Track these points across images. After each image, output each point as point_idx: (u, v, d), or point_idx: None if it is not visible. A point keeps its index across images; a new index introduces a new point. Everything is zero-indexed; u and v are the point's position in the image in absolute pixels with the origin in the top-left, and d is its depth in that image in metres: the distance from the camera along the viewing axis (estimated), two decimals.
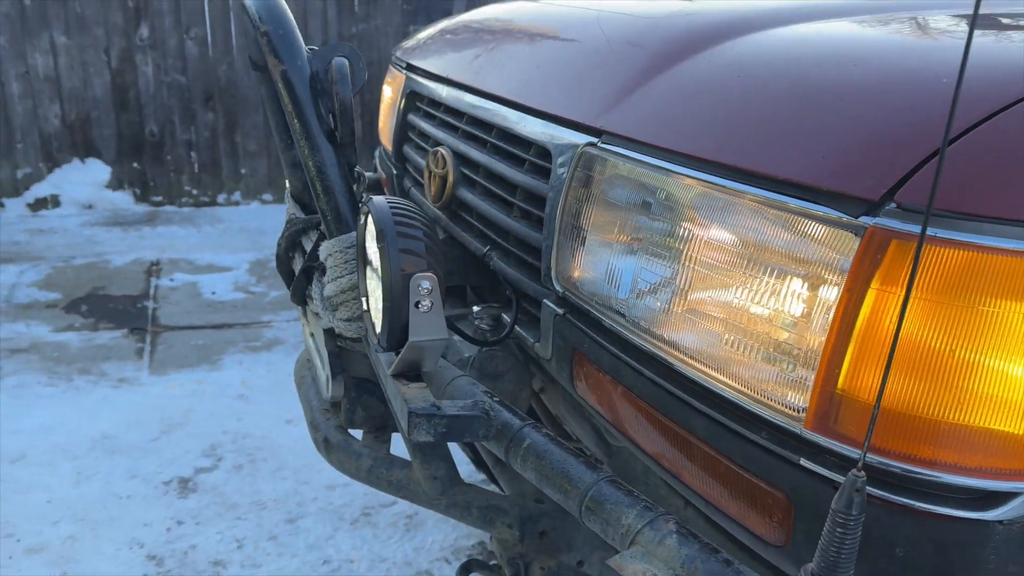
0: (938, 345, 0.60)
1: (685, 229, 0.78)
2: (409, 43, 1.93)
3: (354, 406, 1.25)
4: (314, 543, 2.40)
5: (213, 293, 4.37)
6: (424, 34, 1.83)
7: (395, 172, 1.70)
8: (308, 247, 1.35)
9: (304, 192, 1.42)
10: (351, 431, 1.28)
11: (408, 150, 1.59)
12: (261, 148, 6.01)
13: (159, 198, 5.87)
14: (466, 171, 1.25)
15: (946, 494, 0.62)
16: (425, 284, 0.90)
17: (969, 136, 0.62)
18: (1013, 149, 0.59)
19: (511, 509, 1.11)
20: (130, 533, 2.39)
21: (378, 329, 0.95)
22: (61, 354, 3.51)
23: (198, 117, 5.80)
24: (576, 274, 0.93)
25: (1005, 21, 0.95)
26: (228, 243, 5.24)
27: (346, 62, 1.08)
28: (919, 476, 0.62)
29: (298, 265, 1.38)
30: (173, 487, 2.63)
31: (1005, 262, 0.57)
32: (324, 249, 1.11)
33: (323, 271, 1.19)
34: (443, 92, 1.38)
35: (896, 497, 0.61)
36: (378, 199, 0.93)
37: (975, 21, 0.49)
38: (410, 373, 0.96)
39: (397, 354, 0.95)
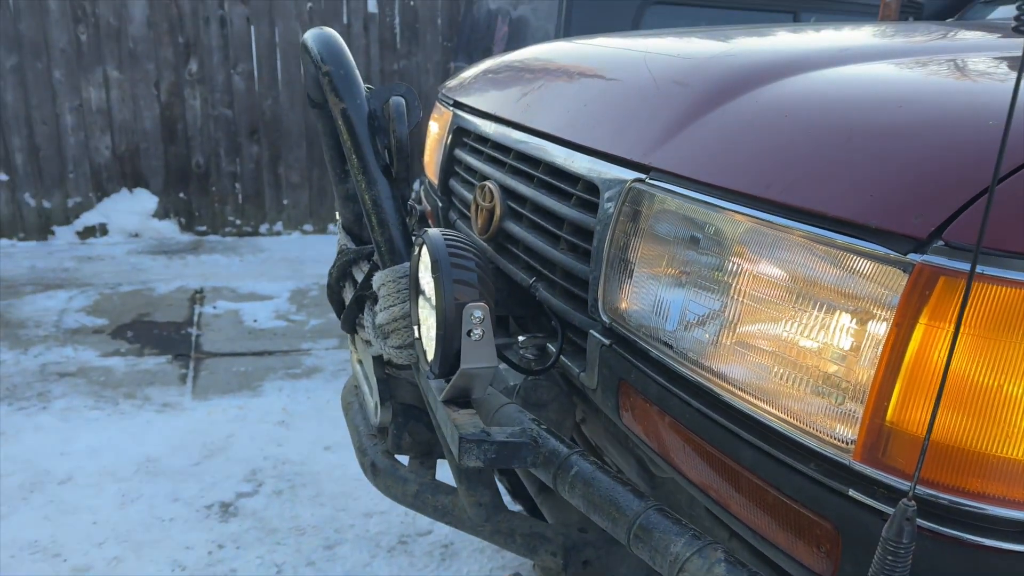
0: (986, 380, 0.61)
1: (734, 263, 0.80)
2: (455, 81, 1.98)
3: (401, 432, 1.27)
4: (351, 570, 2.42)
5: (255, 321, 4.45)
6: (469, 72, 1.88)
7: (440, 205, 1.74)
8: (359, 277, 1.40)
9: (355, 224, 1.47)
10: (397, 457, 1.30)
11: (454, 184, 1.63)
12: (303, 180, 6.14)
13: (203, 227, 6.01)
14: (513, 205, 1.28)
15: (994, 527, 0.63)
16: (477, 313, 0.93)
17: (1016, 176, 0.64)
18: None
19: (555, 538, 1.13)
20: (172, 555, 2.43)
21: (430, 357, 0.98)
22: (107, 378, 3.60)
23: (243, 149, 5.95)
24: (623, 305, 0.95)
25: None
26: (269, 272, 5.34)
27: (403, 101, 1.13)
28: (967, 508, 0.63)
29: (348, 294, 1.42)
30: (215, 511, 2.67)
31: None
32: (377, 279, 1.15)
33: (375, 300, 1.22)
34: (490, 128, 1.43)
35: (944, 529, 0.62)
36: (433, 231, 0.97)
37: None
38: (460, 400, 0.99)
39: (448, 381, 0.98)
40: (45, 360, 3.75)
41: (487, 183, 1.34)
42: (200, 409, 3.37)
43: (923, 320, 0.63)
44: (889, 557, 0.56)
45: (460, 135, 1.64)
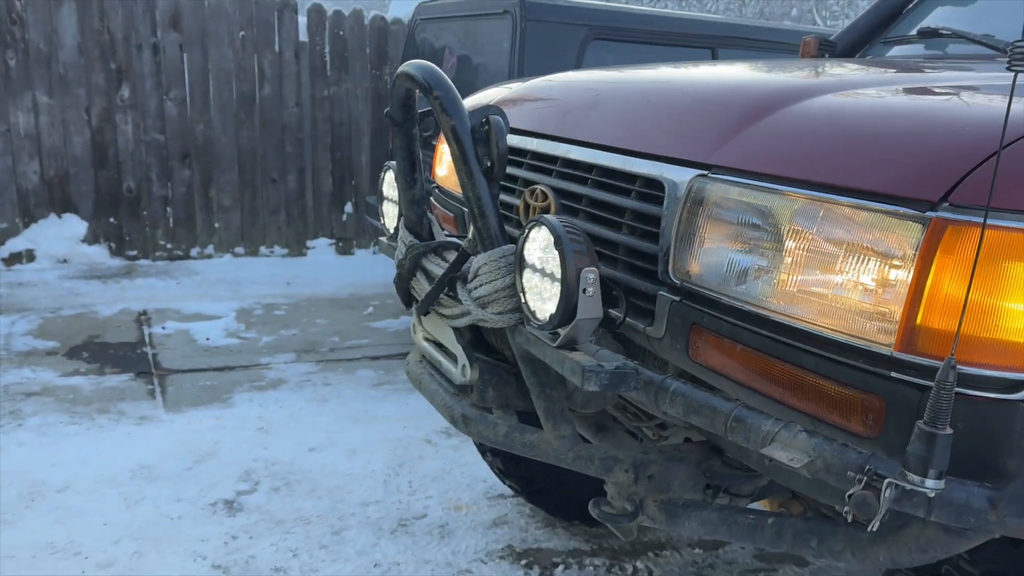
0: (983, 292, 0.96)
1: (790, 230, 1.13)
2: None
3: (486, 387, 1.54)
4: (362, 550, 2.62)
5: (207, 339, 4.54)
6: (485, 99, 2.17)
7: (467, 211, 2.01)
8: (429, 267, 1.66)
9: (417, 224, 1.73)
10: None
11: None
12: (235, 203, 6.23)
13: (134, 252, 6.00)
14: (565, 202, 1.58)
15: (988, 384, 0.97)
16: (591, 276, 1.22)
17: (986, 164, 0.99)
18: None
19: (626, 459, 1.42)
20: (190, 547, 2.57)
21: (546, 314, 1.27)
22: (76, 396, 3.65)
23: (174, 173, 6.00)
24: (694, 270, 1.27)
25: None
26: (209, 293, 5.41)
27: (501, 120, 1.41)
28: (972, 373, 0.97)
29: (419, 283, 1.69)
30: (220, 508, 2.81)
31: (1021, 238, 0.94)
32: (479, 260, 1.42)
33: (464, 280, 1.50)
34: (532, 144, 1.73)
35: (959, 390, 0.96)
36: (549, 217, 1.26)
37: (1016, 79, 0.87)
38: (568, 346, 1.28)
39: (560, 333, 1.27)
40: (5, 382, 3.75)
41: (537, 186, 1.63)
42: (178, 420, 3.48)
43: (938, 256, 0.98)
44: (942, 391, 0.89)
45: None
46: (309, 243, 6.57)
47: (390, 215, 1.95)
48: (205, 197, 6.12)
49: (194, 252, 6.20)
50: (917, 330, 1.00)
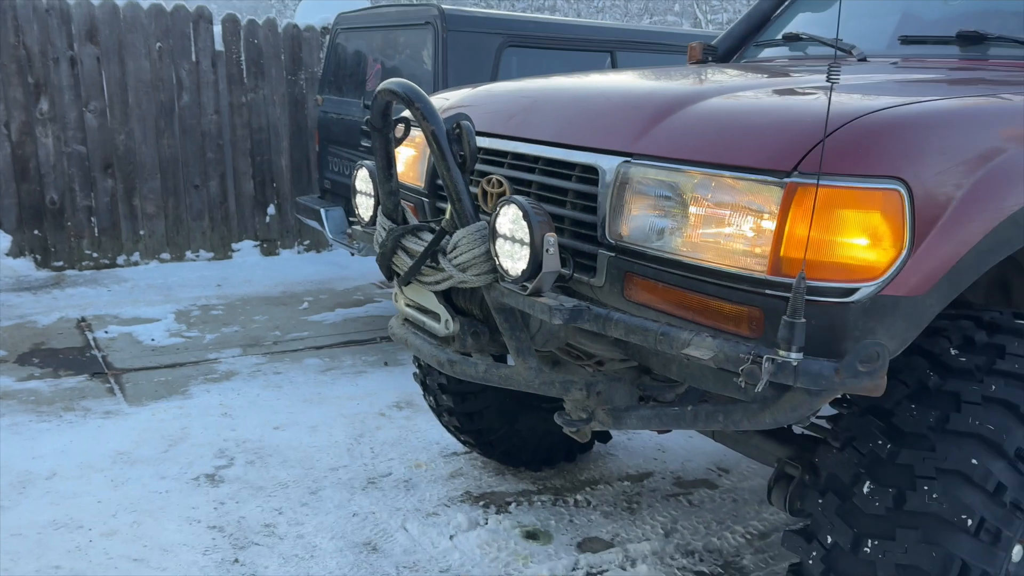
0: (819, 230, 1.43)
1: (688, 195, 1.58)
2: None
3: (466, 336, 1.93)
4: (339, 504, 2.97)
5: (152, 340, 4.74)
6: (436, 104, 2.56)
7: (426, 200, 2.40)
8: (409, 245, 2.04)
9: (394, 211, 2.10)
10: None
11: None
12: (159, 210, 6.36)
13: (60, 263, 6.06)
14: (518, 187, 1.99)
15: (828, 292, 1.44)
16: (551, 239, 1.64)
17: (817, 147, 1.46)
18: (848, 144, 1.44)
19: (579, 380, 1.84)
20: (183, 514, 2.86)
21: (519, 271, 1.67)
22: (38, 398, 3.83)
23: (97, 184, 6.10)
24: (624, 232, 1.70)
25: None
26: (143, 299, 5.57)
27: (470, 124, 1.80)
28: (818, 286, 1.43)
29: (401, 259, 2.06)
30: (202, 481, 3.11)
31: (847, 192, 1.42)
32: (459, 234, 1.80)
33: (444, 252, 1.88)
34: (484, 142, 2.12)
35: (809, 297, 1.42)
36: (518, 197, 1.66)
37: (834, 77, 1.34)
38: (536, 294, 1.68)
39: (529, 284, 1.67)
40: None
41: (493, 176, 2.03)
42: (143, 412, 3.72)
43: (793, 207, 1.44)
44: (797, 294, 1.34)
45: None
46: (234, 246, 6.76)
47: (364, 206, 2.32)
48: (129, 206, 6.24)
49: (120, 260, 6.30)
50: (781, 260, 1.46)
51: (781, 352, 1.38)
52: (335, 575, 2.55)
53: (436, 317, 2.01)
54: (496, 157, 2.11)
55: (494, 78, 4.14)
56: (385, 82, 1.91)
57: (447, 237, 1.88)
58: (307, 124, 6.83)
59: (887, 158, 1.46)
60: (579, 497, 3.10)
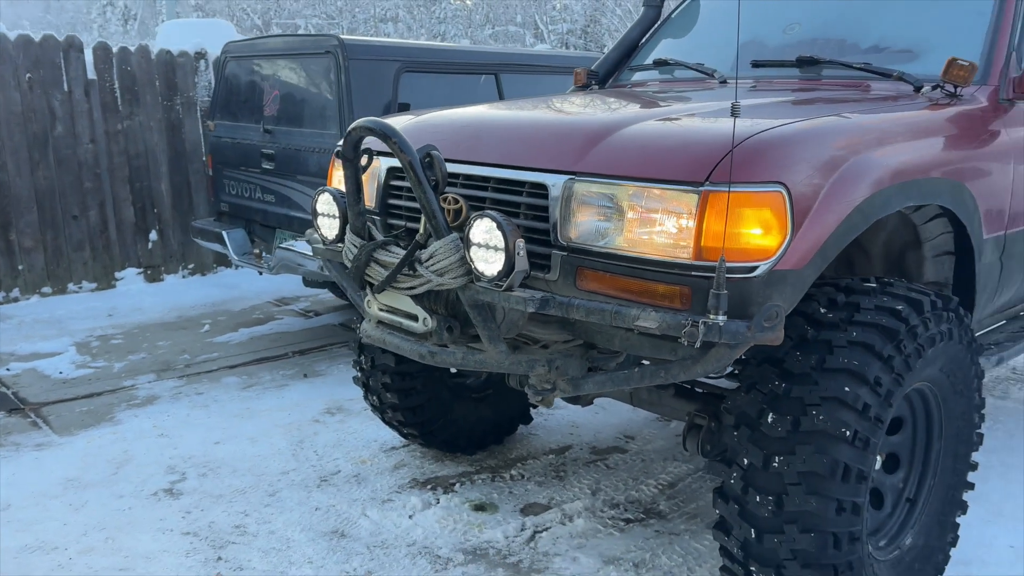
0: (729, 225, 1.91)
1: (626, 204, 2.03)
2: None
3: (442, 331, 2.28)
4: (300, 501, 3.24)
5: (60, 372, 4.74)
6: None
7: (378, 218, 2.72)
8: (382, 257, 2.38)
9: (362, 229, 2.43)
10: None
11: (394, 201, 2.64)
12: (37, 243, 6.22)
13: None
14: (472, 203, 2.36)
15: (738, 271, 1.92)
16: (521, 243, 2.04)
17: (724, 160, 1.94)
18: (748, 159, 1.92)
19: (541, 359, 2.25)
20: (153, 526, 3.04)
21: (494, 272, 2.05)
22: None
23: None
24: (573, 236, 2.13)
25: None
26: (35, 333, 5.48)
27: (439, 154, 2.15)
28: (732, 266, 1.91)
29: (374, 271, 2.39)
30: (161, 495, 3.27)
31: (746, 195, 1.90)
32: (435, 245, 2.15)
33: (419, 261, 2.24)
34: None
35: (727, 275, 1.90)
36: (491, 212, 2.04)
37: (737, 107, 1.82)
38: (510, 289, 2.07)
39: (503, 282, 2.06)
40: None
41: (449, 195, 2.41)
42: (77, 441, 3.80)
43: (708, 209, 1.92)
44: (720, 274, 1.81)
45: (393, 172, 2.66)
46: (117, 274, 6.69)
47: (327, 227, 2.62)
48: (6, 240, 6.07)
49: None
50: (702, 248, 1.94)
51: (711, 316, 1.85)
52: (314, 560, 2.83)
53: (413, 317, 2.36)
54: (451, 179, 2.48)
55: (394, 101, 4.48)
56: (360, 120, 2.25)
57: (421, 249, 2.24)
58: (186, 148, 6.86)
59: (772, 168, 1.97)
60: (513, 472, 3.51)
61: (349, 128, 2.28)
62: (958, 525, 2.59)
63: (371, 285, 2.45)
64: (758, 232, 1.96)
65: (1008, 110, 2.80)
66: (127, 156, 6.55)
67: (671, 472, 3.51)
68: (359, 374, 3.45)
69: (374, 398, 3.43)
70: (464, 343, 2.35)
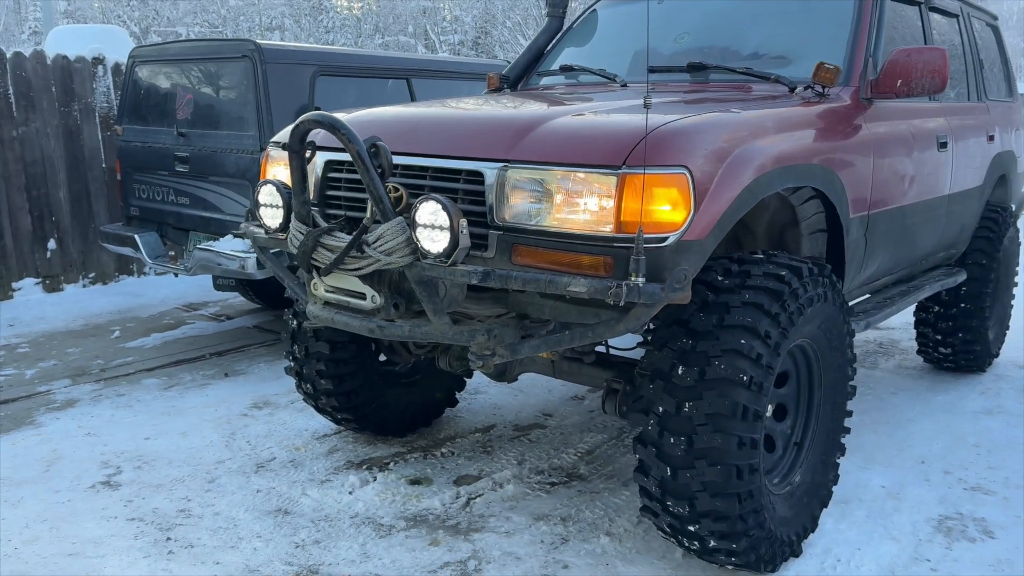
0: (645, 203, 2.22)
1: (553, 187, 2.31)
2: (284, 137, 3.13)
3: (388, 307, 2.50)
4: (240, 485, 3.36)
5: None
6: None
7: (316, 208, 2.91)
8: (329, 242, 2.58)
9: (307, 217, 2.62)
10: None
11: (332, 192, 2.84)
12: None
13: None
14: (411, 191, 2.59)
15: (653, 241, 2.22)
16: (464, 223, 2.29)
17: (640, 145, 2.25)
18: (658, 146, 2.24)
19: (480, 329, 2.50)
20: (96, 514, 3.10)
21: (439, 250, 2.29)
22: None
23: None
24: (507, 216, 2.39)
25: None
26: None
27: (385, 145, 2.37)
28: (648, 236, 2.21)
29: (321, 255, 2.59)
30: (99, 488, 3.33)
31: (657, 177, 2.22)
32: (382, 228, 2.36)
33: (367, 243, 2.45)
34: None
35: (645, 245, 2.21)
36: (436, 195, 2.28)
37: (649, 102, 2.13)
38: (454, 264, 2.31)
39: (447, 258, 2.30)
40: None
41: (388, 183, 2.63)
42: (1, 444, 3.77)
43: (626, 190, 2.22)
44: (639, 243, 2.11)
45: (331, 166, 2.86)
46: (15, 285, 6.51)
47: (270, 216, 2.80)
48: None
49: None
50: (622, 223, 2.25)
51: (632, 279, 2.16)
52: (262, 535, 2.98)
53: (361, 296, 2.57)
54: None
55: (310, 104, 4.64)
56: (308, 114, 2.45)
57: (366, 232, 2.46)
58: (84, 155, 6.75)
59: (677, 154, 2.30)
60: (443, 450, 3.74)
61: (297, 121, 2.47)
62: (838, 465, 3.00)
63: (317, 269, 2.64)
64: (667, 208, 2.28)
65: (867, 108, 3.26)
66: (23, 163, 6.39)
67: (588, 441, 3.83)
68: (291, 363, 3.61)
69: (308, 385, 3.59)
70: (409, 318, 2.58)
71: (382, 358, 3.68)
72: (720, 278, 2.58)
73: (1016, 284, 5.25)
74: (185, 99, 4.91)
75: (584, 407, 4.29)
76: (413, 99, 5.19)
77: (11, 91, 6.27)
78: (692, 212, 2.30)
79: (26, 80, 6.34)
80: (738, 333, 2.44)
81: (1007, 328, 5.17)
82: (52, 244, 6.65)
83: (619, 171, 2.25)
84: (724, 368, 2.41)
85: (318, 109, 4.74)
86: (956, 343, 4.70)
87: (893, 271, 3.82)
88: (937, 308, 4.69)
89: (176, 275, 5.12)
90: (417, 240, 2.38)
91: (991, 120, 4.60)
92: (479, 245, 2.47)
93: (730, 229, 2.46)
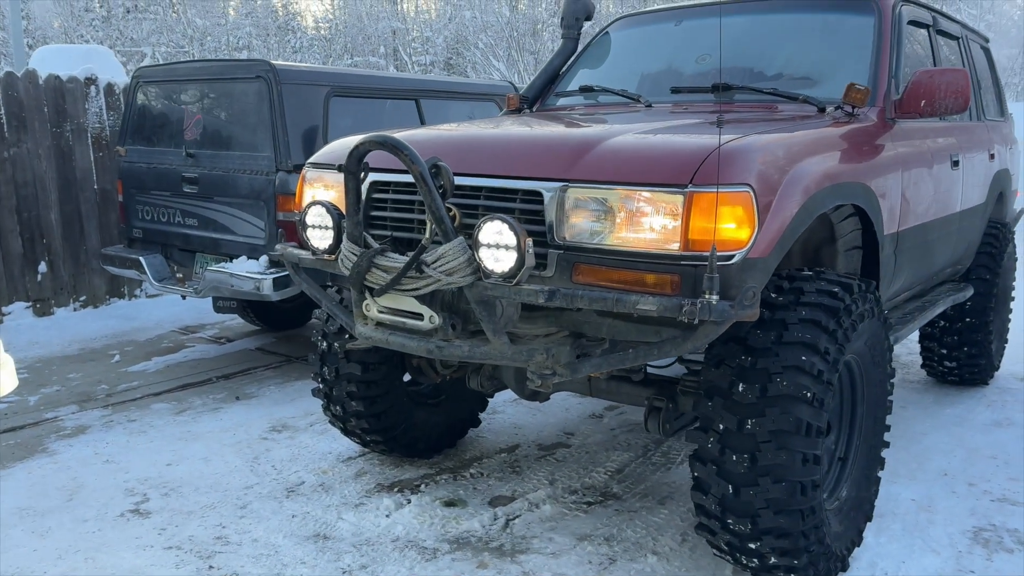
0: (711, 220, 2.24)
1: (616, 206, 2.32)
2: (323, 158, 3.11)
3: (447, 327, 2.48)
4: (274, 511, 3.30)
5: None
6: (338, 149, 3.04)
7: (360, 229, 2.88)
8: (382, 262, 2.55)
9: (359, 238, 2.60)
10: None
11: (377, 213, 2.82)
12: None
13: None
14: (465, 211, 2.58)
15: (723, 259, 2.24)
16: (530, 242, 2.29)
17: (708, 161, 2.28)
18: (723, 165, 2.26)
19: (539, 348, 2.49)
20: (131, 544, 3.02)
21: (504, 269, 2.28)
22: None
23: None
24: (568, 235, 2.40)
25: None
26: None
27: (447, 166, 2.36)
28: (719, 255, 2.23)
29: (375, 275, 2.56)
30: (129, 516, 3.25)
31: (724, 195, 2.24)
32: (443, 248, 2.35)
33: (427, 263, 2.43)
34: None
35: (707, 262, 2.23)
36: (500, 215, 2.27)
37: (721, 120, 2.15)
38: (520, 284, 2.30)
39: (514, 278, 2.30)
40: None
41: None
42: (16, 472, 3.66)
43: (693, 209, 2.23)
44: (713, 261, 2.13)
45: (376, 187, 2.84)
46: (4, 309, 6.35)
47: (319, 238, 2.77)
48: None
49: None
50: (689, 241, 2.27)
51: (706, 296, 2.17)
52: (307, 561, 2.92)
53: (418, 316, 2.56)
54: None
55: (325, 123, 4.61)
56: (369, 136, 2.44)
57: (425, 251, 2.45)
58: (76, 176, 6.63)
59: (742, 172, 2.33)
60: (472, 471, 3.71)
61: (356, 143, 2.46)
62: (879, 479, 3.04)
63: (370, 289, 2.62)
64: (732, 226, 2.30)
65: (892, 127, 3.34)
66: (14, 185, 6.26)
67: (615, 460, 3.83)
68: (320, 385, 3.56)
69: (337, 408, 3.54)
70: (466, 338, 2.56)
71: (407, 378, 3.65)
72: (773, 295, 2.60)
73: (1014, 298, 5.38)
74: (194, 119, 4.85)
75: (604, 425, 4.30)
76: (422, 119, 5.19)
77: (2, 111, 6.15)
78: (756, 230, 2.33)
79: (18, 100, 6.22)
80: (798, 350, 2.46)
81: (1006, 341, 5.30)
82: (43, 267, 6.51)
83: (686, 189, 2.27)
84: (786, 385, 2.43)
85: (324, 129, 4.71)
86: (961, 357, 4.80)
87: (912, 287, 3.90)
88: (943, 323, 4.79)
89: (184, 297, 5.04)
90: (480, 260, 2.37)
91: (991, 139, 4.73)
92: (538, 264, 2.47)
93: (790, 246, 2.49)
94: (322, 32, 34.82)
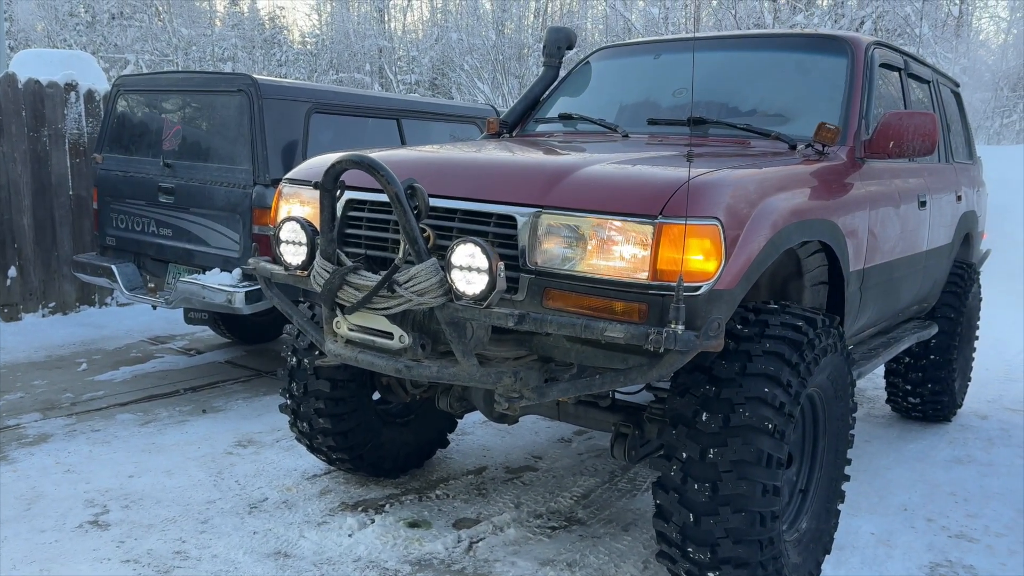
0: (677, 252, 2.28)
1: (588, 233, 2.36)
2: (300, 174, 3.13)
3: (416, 347, 2.49)
4: (235, 527, 3.27)
5: None
6: (316, 166, 3.06)
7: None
8: (355, 280, 2.57)
9: (332, 255, 2.61)
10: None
11: (352, 231, 2.84)
12: None
13: None
14: (439, 233, 2.61)
15: (689, 289, 2.28)
16: (501, 266, 2.31)
17: (678, 193, 2.32)
18: (693, 197, 2.30)
19: (508, 371, 2.50)
20: (88, 556, 2.98)
21: (475, 291, 2.30)
22: None
23: None
24: (540, 261, 2.43)
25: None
26: None
27: (422, 187, 2.39)
28: (685, 285, 2.27)
29: (347, 293, 2.57)
30: (88, 528, 3.20)
31: (692, 228, 2.28)
32: (416, 268, 2.36)
33: (398, 282, 2.45)
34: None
35: (672, 292, 2.26)
36: (473, 238, 2.30)
37: (691, 154, 2.20)
38: (490, 307, 2.32)
39: (485, 301, 2.32)
40: None
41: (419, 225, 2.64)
42: None
43: (661, 239, 2.28)
44: (679, 291, 2.17)
45: (352, 205, 2.85)
46: None
47: (291, 253, 2.78)
48: None
49: None
50: (658, 271, 2.30)
51: (672, 326, 2.21)
52: None
53: (388, 335, 2.57)
54: None
55: (305, 139, 4.63)
56: (346, 155, 2.46)
57: (398, 271, 2.46)
58: (51, 182, 6.58)
59: (710, 206, 2.37)
60: (438, 492, 3.70)
61: (333, 161, 2.48)
62: (839, 512, 3.07)
63: (341, 307, 2.63)
64: (700, 258, 2.35)
65: (861, 167, 3.41)
66: None
67: (582, 485, 3.84)
68: (288, 401, 3.55)
69: (304, 424, 3.53)
70: (435, 359, 2.58)
71: (376, 396, 3.65)
72: (739, 327, 2.65)
73: (978, 337, 5.48)
74: (173, 130, 4.85)
75: (573, 449, 4.31)
76: (403, 139, 5.22)
77: None
78: (723, 262, 2.37)
79: None
80: (761, 381, 2.50)
81: (969, 379, 5.39)
82: (12, 272, 6.43)
83: (655, 220, 2.31)
84: (748, 415, 2.46)
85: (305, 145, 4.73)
86: (925, 394, 4.88)
87: (878, 323, 3.97)
88: (907, 359, 4.87)
89: (155, 307, 5.00)
90: (452, 281, 2.39)
91: (959, 181, 4.85)
92: (509, 288, 2.50)
93: (756, 279, 2.54)
94: (308, 47, 34.89)
